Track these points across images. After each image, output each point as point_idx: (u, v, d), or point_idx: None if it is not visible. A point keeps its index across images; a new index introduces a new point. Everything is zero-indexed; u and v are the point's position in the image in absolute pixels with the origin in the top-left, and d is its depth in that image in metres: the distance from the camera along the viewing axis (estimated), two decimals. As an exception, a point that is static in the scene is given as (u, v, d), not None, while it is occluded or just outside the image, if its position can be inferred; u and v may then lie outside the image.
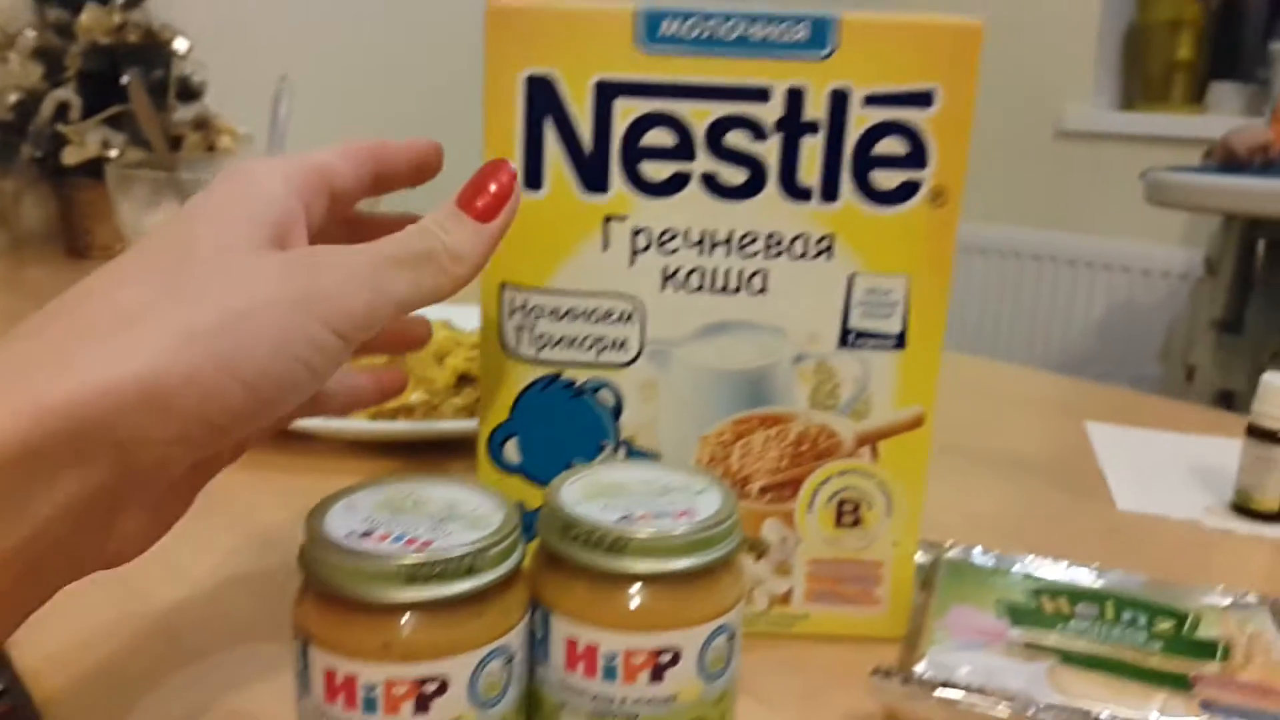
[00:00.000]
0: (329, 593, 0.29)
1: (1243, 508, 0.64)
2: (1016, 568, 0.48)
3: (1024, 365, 0.91)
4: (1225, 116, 2.11)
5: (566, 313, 0.41)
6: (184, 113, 1.28)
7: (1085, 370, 2.27)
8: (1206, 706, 0.37)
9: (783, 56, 0.39)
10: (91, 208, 1.21)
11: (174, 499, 0.32)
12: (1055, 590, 0.45)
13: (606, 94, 0.39)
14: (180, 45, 1.26)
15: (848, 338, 0.42)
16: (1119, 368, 2.22)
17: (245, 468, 0.43)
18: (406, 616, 0.29)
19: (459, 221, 0.33)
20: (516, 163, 0.39)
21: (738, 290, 0.41)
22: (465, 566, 0.29)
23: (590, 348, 0.41)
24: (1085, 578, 0.47)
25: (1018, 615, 0.43)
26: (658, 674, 0.32)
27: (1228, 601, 0.44)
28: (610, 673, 0.32)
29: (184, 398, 0.26)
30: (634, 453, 0.43)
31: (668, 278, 0.41)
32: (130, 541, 0.30)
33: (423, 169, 0.37)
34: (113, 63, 1.19)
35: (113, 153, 1.16)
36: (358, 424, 0.63)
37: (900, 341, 0.42)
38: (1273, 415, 0.62)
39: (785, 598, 0.45)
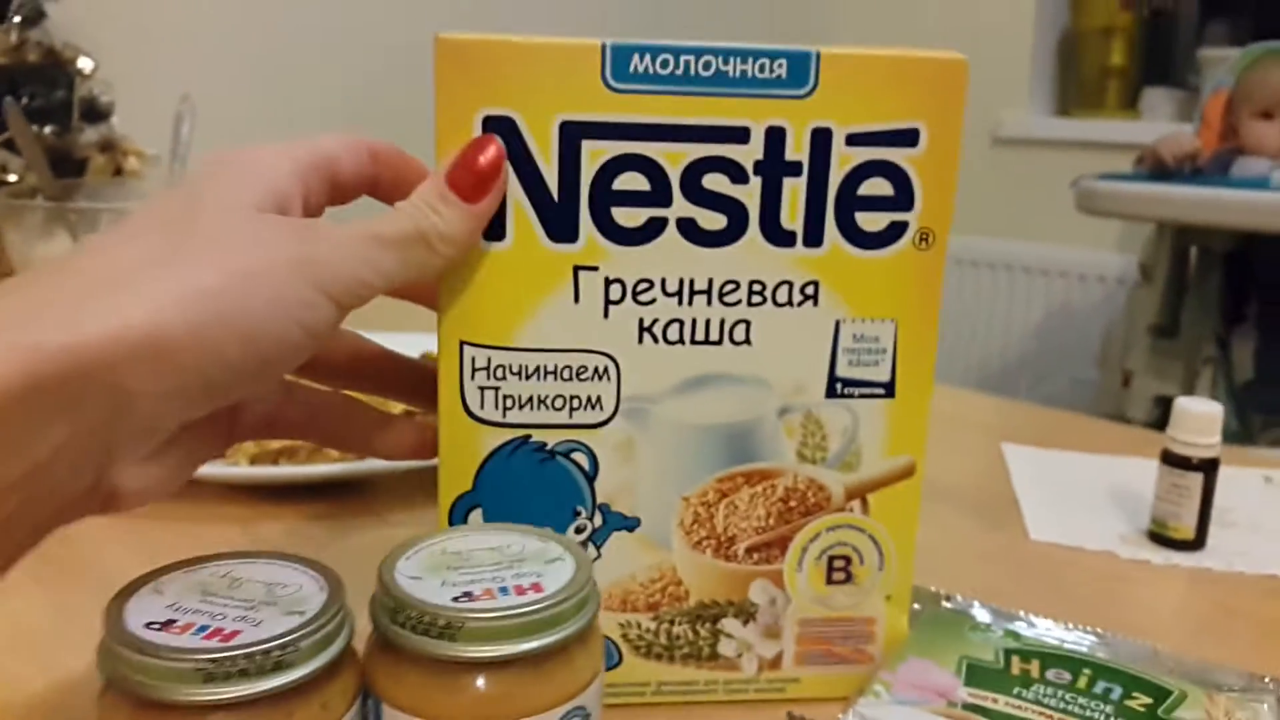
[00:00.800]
0: (127, 690, 0.27)
1: (1159, 536, 0.62)
2: (1010, 624, 0.46)
3: (963, 371, 0.89)
4: (1159, 122, 2.15)
5: (535, 371, 0.38)
6: (91, 134, 1.22)
7: (1024, 374, 2.30)
8: None
9: (762, 94, 0.37)
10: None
11: (168, 464, 0.32)
12: (1031, 652, 0.42)
13: (573, 135, 0.36)
14: (85, 64, 1.20)
15: (836, 387, 0.40)
16: (1058, 372, 2.24)
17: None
18: (208, 717, 0.26)
19: (448, 202, 0.34)
20: (478, 211, 0.36)
21: (719, 341, 0.39)
22: (273, 661, 0.27)
23: (562, 408, 0.38)
24: (1083, 641, 0.45)
25: (976, 675, 0.41)
26: None
27: (1232, 682, 0.42)
28: None
29: (185, 352, 0.27)
30: (611, 517, 0.40)
31: (645, 330, 0.38)
32: (123, 495, 0.30)
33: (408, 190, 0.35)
34: (11, 83, 1.12)
35: (11, 177, 1.10)
36: (237, 470, 0.60)
37: (889, 390, 0.40)
38: (1186, 441, 0.60)
39: (775, 662, 0.42)
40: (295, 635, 0.27)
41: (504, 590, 0.30)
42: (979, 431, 0.82)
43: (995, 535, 0.63)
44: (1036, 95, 2.31)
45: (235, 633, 0.27)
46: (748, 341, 0.39)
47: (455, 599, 0.29)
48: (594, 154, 0.36)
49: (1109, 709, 0.39)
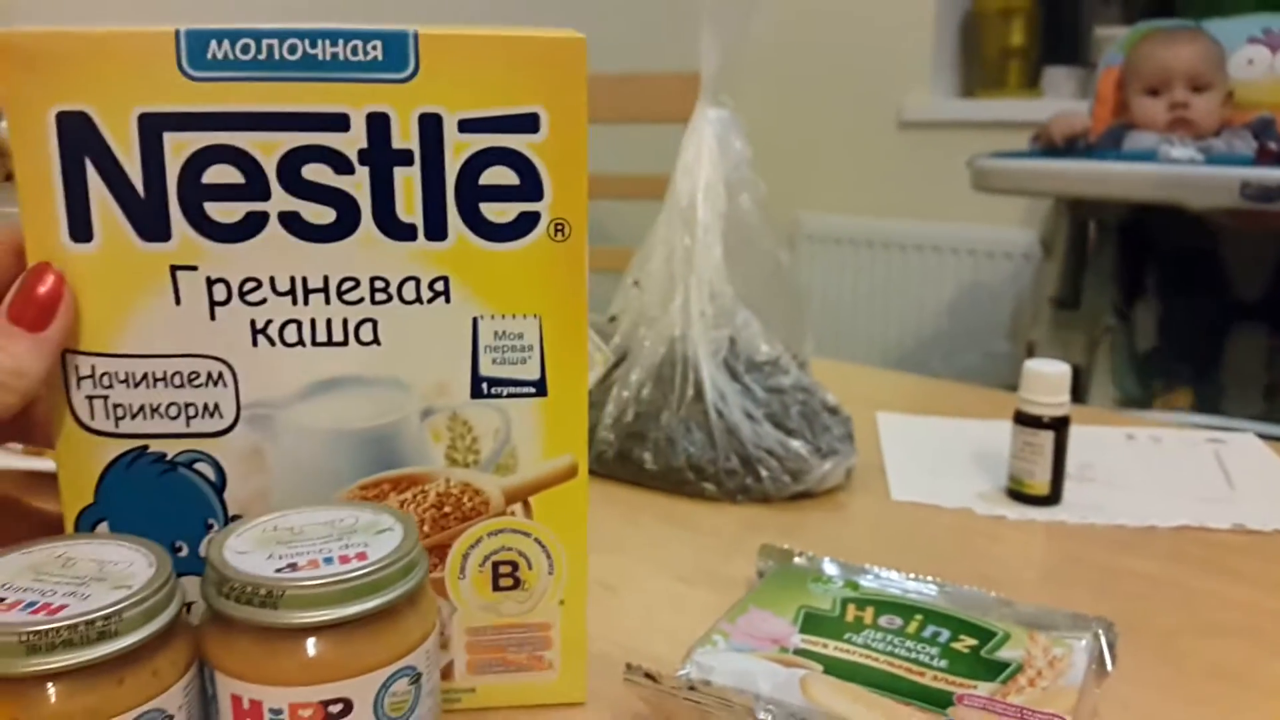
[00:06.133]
0: None
1: (1016, 492, 0.64)
2: (856, 577, 0.46)
3: (881, 351, 0.88)
4: (1060, 100, 2.15)
5: (144, 378, 0.36)
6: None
7: (937, 351, 2.31)
8: None
9: (359, 79, 0.34)
10: None
11: None
12: (867, 600, 0.43)
13: (153, 128, 0.34)
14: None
15: (481, 387, 0.38)
16: (970, 347, 2.25)
17: None
18: (37, 688, 0.27)
19: (14, 337, 0.32)
20: (58, 212, 0.34)
21: (345, 342, 0.37)
22: (97, 631, 0.28)
23: (178, 416, 0.36)
24: (926, 591, 0.46)
25: (811, 622, 0.42)
26: None
27: (1060, 623, 0.42)
28: None
29: None
30: (243, 531, 0.38)
31: (258, 332, 0.36)
32: None
33: None
34: None
35: None
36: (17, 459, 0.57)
37: (541, 389, 0.38)
38: (1037, 401, 0.62)
39: (446, 672, 0.41)
40: (120, 606, 0.28)
41: (328, 560, 0.32)
42: (859, 403, 0.82)
43: (856, 497, 0.64)
44: (939, 78, 2.30)
45: (62, 607, 0.28)
46: (376, 341, 0.37)
47: (279, 570, 0.31)
48: (178, 146, 0.34)
49: (935, 650, 0.40)
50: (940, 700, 0.36)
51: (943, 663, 0.39)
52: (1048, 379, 0.61)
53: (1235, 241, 1.68)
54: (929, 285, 2.31)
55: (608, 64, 1.69)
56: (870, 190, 2.35)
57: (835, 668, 0.38)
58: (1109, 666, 0.41)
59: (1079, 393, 1.76)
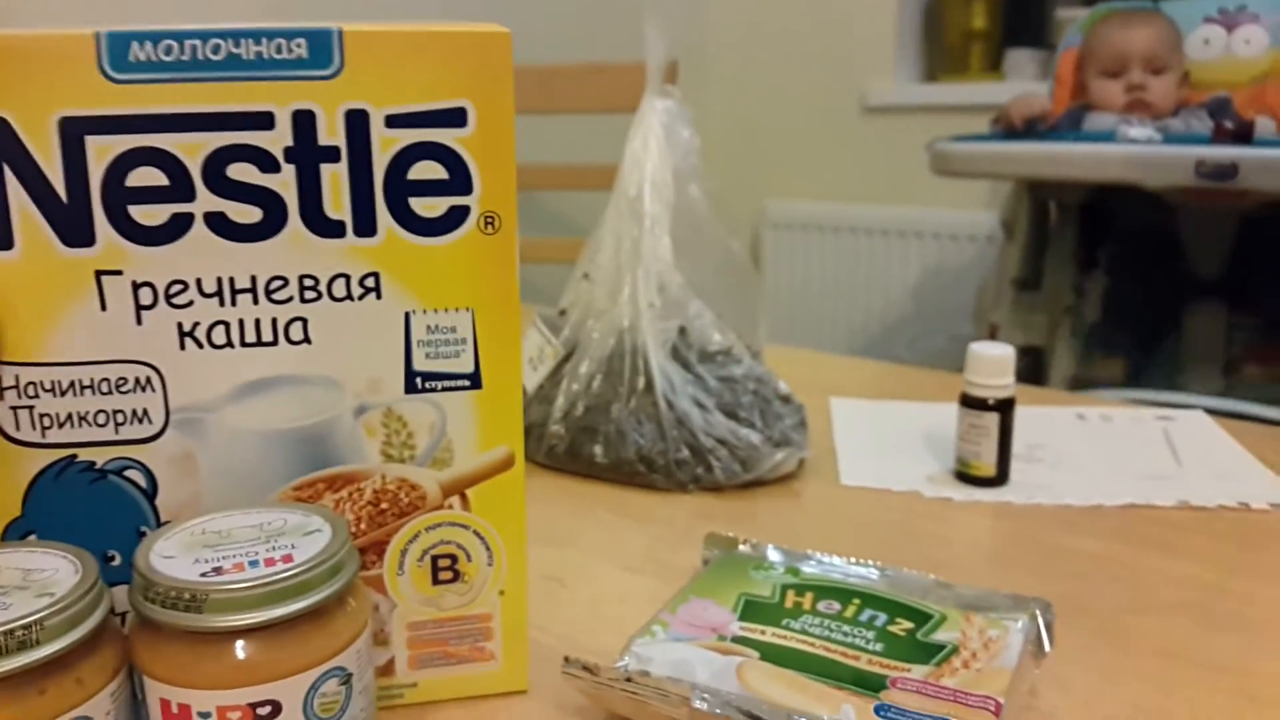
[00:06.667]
0: None
1: (963, 474, 0.64)
2: (797, 563, 0.47)
3: (846, 335, 0.89)
4: (1023, 82, 2.17)
5: (71, 386, 0.35)
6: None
7: (902, 335, 2.32)
8: (881, 710, 0.36)
9: (284, 77, 0.34)
10: None
11: None
12: (806, 586, 0.44)
13: (74, 132, 0.33)
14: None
15: (415, 382, 0.38)
16: (935, 331, 2.27)
17: None
18: None
19: None
20: (-24, 218, 0.34)
21: (274, 342, 0.36)
22: (17, 641, 0.28)
23: (106, 423, 0.36)
24: (867, 575, 0.46)
25: (751, 610, 0.42)
26: None
27: (998, 604, 0.43)
28: None
29: None
30: (179, 534, 0.37)
31: (185, 335, 0.36)
32: None
33: None
34: None
35: None
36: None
37: (475, 381, 0.38)
38: (980, 384, 0.63)
39: (387, 668, 0.41)
40: (40, 615, 0.28)
41: (254, 563, 0.31)
42: (815, 390, 0.82)
43: (808, 483, 0.65)
44: (902, 63, 2.31)
45: None
46: (307, 340, 0.37)
47: (204, 574, 0.31)
48: (100, 150, 0.34)
49: (871, 634, 0.40)
50: (874, 684, 0.37)
51: (878, 646, 0.39)
52: (991, 361, 0.62)
53: (1193, 220, 1.70)
54: (894, 270, 2.32)
55: (563, 55, 1.69)
56: (835, 176, 2.36)
57: (772, 654, 0.39)
58: (1046, 646, 0.41)
59: (1039, 374, 1.78)
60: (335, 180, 0.35)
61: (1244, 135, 1.39)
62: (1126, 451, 0.70)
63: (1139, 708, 0.41)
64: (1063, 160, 1.62)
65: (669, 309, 0.64)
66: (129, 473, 0.36)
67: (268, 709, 0.31)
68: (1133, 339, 1.71)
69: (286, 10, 1.48)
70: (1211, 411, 0.78)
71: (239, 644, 0.31)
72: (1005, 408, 0.62)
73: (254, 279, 0.36)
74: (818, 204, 2.37)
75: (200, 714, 0.31)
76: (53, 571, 0.31)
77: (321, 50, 0.34)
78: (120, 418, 0.36)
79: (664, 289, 0.64)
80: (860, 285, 2.35)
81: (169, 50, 0.33)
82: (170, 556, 0.32)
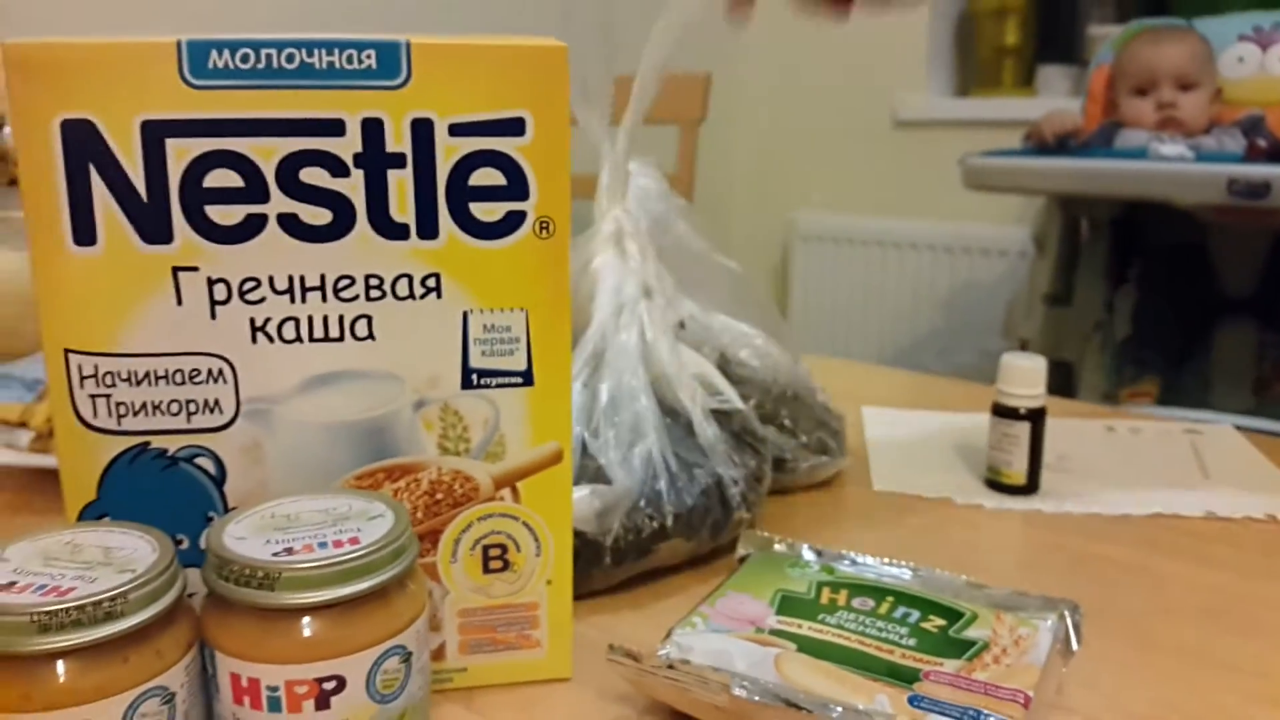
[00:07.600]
0: None
1: (994, 482, 0.65)
2: (832, 562, 0.48)
3: (876, 348, 0.90)
4: (1054, 98, 2.17)
5: (146, 376, 0.37)
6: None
7: (932, 348, 2.32)
8: (914, 700, 0.37)
9: (354, 86, 0.36)
10: None
11: None
12: (841, 584, 0.45)
13: (155, 135, 0.35)
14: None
15: (471, 378, 0.40)
16: (965, 345, 2.27)
17: None
18: (47, 666, 0.29)
19: None
20: (62, 216, 0.36)
21: (340, 338, 0.38)
22: (104, 612, 0.30)
23: (179, 412, 0.38)
24: (900, 575, 0.47)
25: (787, 605, 0.43)
26: (323, 701, 0.33)
27: (1029, 606, 0.44)
28: (275, 704, 0.33)
29: None
30: (244, 519, 0.39)
31: (258, 330, 0.38)
32: None
33: None
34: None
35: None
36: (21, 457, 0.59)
37: (528, 378, 0.40)
38: (1012, 393, 0.64)
39: (439, 653, 0.42)
40: (125, 588, 0.30)
41: (323, 545, 0.33)
42: (847, 398, 0.84)
43: (841, 488, 0.66)
44: (934, 77, 2.32)
45: (70, 589, 0.30)
46: (371, 336, 0.38)
47: (275, 554, 0.33)
48: (179, 152, 0.36)
49: (904, 630, 0.41)
50: (908, 676, 0.38)
51: (911, 641, 0.40)
52: (1023, 372, 0.63)
53: (1224, 238, 1.69)
54: (924, 283, 2.33)
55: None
56: (866, 189, 2.37)
57: (808, 646, 0.40)
58: (1074, 645, 0.42)
59: (1070, 388, 1.77)
60: (401, 185, 0.37)
61: (1277, 154, 1.38)
62: (1155, 463, 0.70)
63: (1164, 706, 0.42)
64: (1095, 176, 1.62)
65: (695, 344, 0.63)
66: (199, 460, 0.38)
67: (333, 684, 0.33)
68: (1163, 355, 1.70)
69: (352, 21, 1.51)
70: (1240, 429, 0.78)
71: (306, 621, 0.33)
72: (1037, 417, 0.63)
73: (323, 277, 0.38)
74: (849, 217, 2.38)
75: (269, 688, 0.32)
76: (132, 550, 0.33)
77: (390, 61, 0.36)
78: (193, 407, 0.38)
79: (683, 335, 0.62)
80: (890, 299, 2.36)
81: (246, 58, 0.35)
82: (242, 538, 0.34)
